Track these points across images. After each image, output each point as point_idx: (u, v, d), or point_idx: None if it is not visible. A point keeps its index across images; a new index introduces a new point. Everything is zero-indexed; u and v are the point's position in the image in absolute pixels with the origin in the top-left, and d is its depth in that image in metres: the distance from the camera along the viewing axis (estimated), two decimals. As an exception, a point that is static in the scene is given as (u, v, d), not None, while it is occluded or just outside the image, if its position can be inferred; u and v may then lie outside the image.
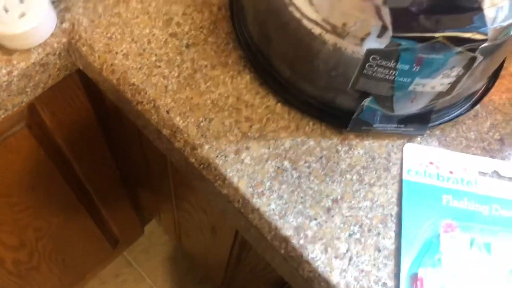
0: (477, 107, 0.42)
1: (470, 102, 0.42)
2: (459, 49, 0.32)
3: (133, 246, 1.14)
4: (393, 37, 0.31)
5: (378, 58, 0.33)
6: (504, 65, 0.44)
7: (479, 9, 0.32)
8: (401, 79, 0.34)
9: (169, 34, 0.42)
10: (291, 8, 0.35)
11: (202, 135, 0.38)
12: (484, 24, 0.31)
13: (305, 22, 0.35)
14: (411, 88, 0.35)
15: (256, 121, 0.39)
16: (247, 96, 0.40)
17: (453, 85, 0.36)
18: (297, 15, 0.35)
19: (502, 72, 0.43)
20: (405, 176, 0.38)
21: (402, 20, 0.31)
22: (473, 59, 0.33)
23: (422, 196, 0.38)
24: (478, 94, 0.42)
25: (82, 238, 0.89)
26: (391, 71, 0.34)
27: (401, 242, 0.36)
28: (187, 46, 0.41)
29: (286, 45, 0.38)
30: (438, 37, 0.31)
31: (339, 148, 0.39)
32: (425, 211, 0.37)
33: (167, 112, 0.39)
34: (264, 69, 0.41)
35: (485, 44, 0.32)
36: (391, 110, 0.37)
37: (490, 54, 0.35)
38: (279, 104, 0.40)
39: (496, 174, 0.39)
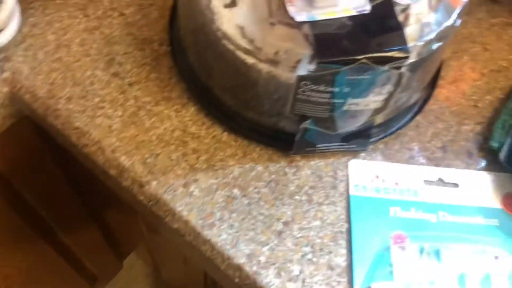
0: (418, 118, 0.43)
1: (411, 114, 0.43)
2: (384, 68, 0.33)
3: (113, 280, 1.12)
4: (318, 62, 0.32)
5: (309, 83, 0.34)
6: (441, 74, 0.45)
7: (400, 28, 0.33)
8: (334, 100, 0.35)
9: (112, 74, 0.42)
10: (225, 41, 0.36)
11: (149, 172, 0.38)
12: (404, 42, 0.33)
13: (239, 53, 0.36)
14: (345, 108, 0.36)
15: (203, 152, 0.40)
16: (193, 128, 0.41)
17: (386, 101, 0.37)
18: (231, 47, 0.36)
19: (440, 82, 0.45)
20: (352, 192, 0.39)
21: (326, 46, 0.32)
22: (401, 76, 0.35)
23: (370, 210, 0.38)
24: (417, 105, 0.44)
25: (56, 280, 0.87)
26: (323, 94, 0.35)
27: (353, 258, 0.36)
28: (130, 84, 0.42)
29: (225, 75, 0.39)
30: (361, 59, 0.32)
31: (287, 170, 0.40)
32: (374, 225, 0.38)
33: (113, 152, 0.39)
34: (208, 100, 0.42)
35: (409, 61, 0.33)
36: (331, 129, 0.38)
37: (419, 68, 0.36)
38: (225, 133, 0.41)
39: (441, 181, 0.41)
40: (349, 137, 0.40)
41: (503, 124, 0.42)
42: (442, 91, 0.45)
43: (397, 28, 0.33)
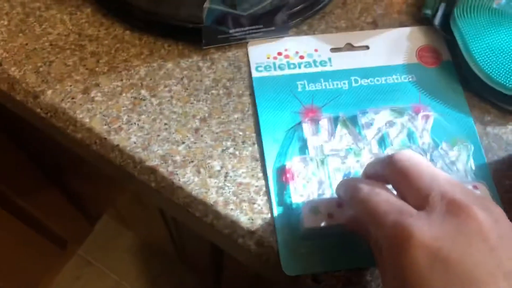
0: (344, -7, 0.39)
1: (336, -10, 0.39)
2: None
3: (89, 244, 1.09)
4: None
5: None
6: None
7: None
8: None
9: (-6, -18, 0.37)
10: None
11: (43, 81, 0.34)
12: None
13: None
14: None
15: (104, 54, 0.35)
16: (90, 30, 0.36)
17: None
18: None
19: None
20: (254, 74, 0.35)
21: None
22: None
23: (275, 88, 0.35)
24: (342, -19, 0.39)
25: (22, 248, 0.84)
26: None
27: (262, 140, 0.33)
28: (15, -9, 0.37)
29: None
30: None
31: (201, 64, 0.36)
32: (283, 103, 0.34)
33: (0, 64, 0.34)
34: (105, -1, 0.37)
35: None
36: (239, 8, 0.34)
37: None
38: (127, 32, 0.36)
39: (350, 45, 0.37)
40: (264, 19, 0.35)
41: (436, -11, 0.38)
42: (370, -36, 0.40)
43: None
